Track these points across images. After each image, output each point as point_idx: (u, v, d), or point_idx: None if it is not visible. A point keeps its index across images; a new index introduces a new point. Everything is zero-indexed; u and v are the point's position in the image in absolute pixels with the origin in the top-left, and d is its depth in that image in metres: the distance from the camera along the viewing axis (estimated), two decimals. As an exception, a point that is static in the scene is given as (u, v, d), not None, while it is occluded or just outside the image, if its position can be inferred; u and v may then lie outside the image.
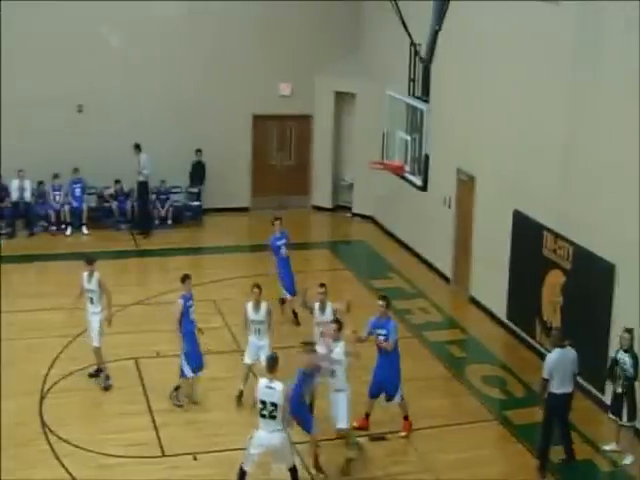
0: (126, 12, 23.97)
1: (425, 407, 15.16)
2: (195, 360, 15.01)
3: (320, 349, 14.55)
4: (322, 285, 14.93)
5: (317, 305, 14.82)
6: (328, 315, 14.63)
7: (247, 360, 15.08)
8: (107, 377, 15.71)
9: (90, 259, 15.99)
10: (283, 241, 18.49)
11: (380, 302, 14.30)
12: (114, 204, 24.21)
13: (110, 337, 16.77)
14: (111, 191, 24.35)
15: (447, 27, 16.04)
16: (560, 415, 13.62)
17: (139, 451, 13.77)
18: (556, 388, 13.45)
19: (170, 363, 16.19)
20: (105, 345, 15.93)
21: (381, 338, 14.06)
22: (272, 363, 12.22)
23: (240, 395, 14.95)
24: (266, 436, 12.03)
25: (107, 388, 15.60)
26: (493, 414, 15.39)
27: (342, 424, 13.37)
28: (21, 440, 13.98)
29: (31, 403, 15.03)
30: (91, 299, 15.80)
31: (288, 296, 18.31)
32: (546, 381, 13.43)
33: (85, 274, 15.83)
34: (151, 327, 17.84)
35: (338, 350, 13.28)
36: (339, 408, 13.34)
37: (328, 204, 26.33)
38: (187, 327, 14.96)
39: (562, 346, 13.50)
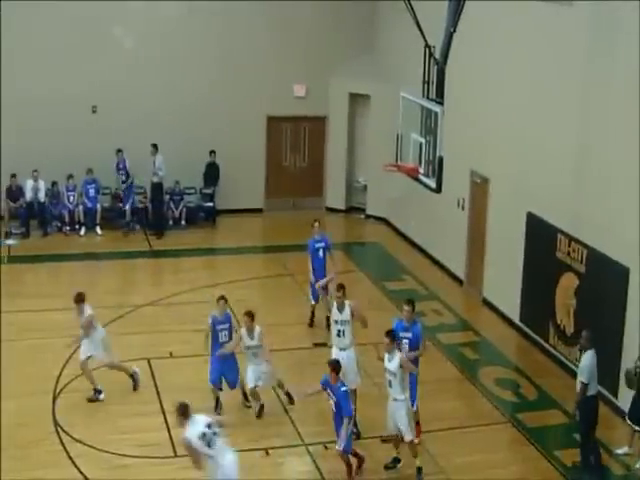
0: (137, 11, 24.11)
1: (437, 409, 15.13)
2: (212, 375, 14.87)
3: (335, 350, 14.54)
4: (340, 287, 14.80)
5: (335, 305, 14.77)
6: (346, 314, 14.58)
7: (251, 384, 14.81)
8: (98, 392, 15.43)
9: (78, 297, 15.37)
10: (322, 244, 18.16)
11: (406, 307, 14.21)
12: (127, 205, 24.21)
13: (123, 337, 16.87)
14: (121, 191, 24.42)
15: (461, 29, 15.99)
16: (595, 417, 13.61)
17: (151, 451, 13.77)
18: (592, 390, 13.42)
19: (183, 364, 16.22)
20: (118, 345, 15.93)
21: (405, 342, 13.98)
22: (184, 411, 11.63)
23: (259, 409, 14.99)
24: (222, 471, 11.53)
25: (93, 401, 15.34)
26: (506, 417, 15.33)
27: (408, 436, 13.23)
28: (33, 440, 14.01)
29: (43, 403, 15.05)
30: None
31: (313, 302, 18.24)
32: (586, 385, 13.31)
33: (75, 310, 15.40)
34: (164, 328, 17.87)
35: (394, 362, 13.11)
36: (400, 419, 13.18)
37: (342, 206, 26.32)
38: (215, 347, 14.84)
39: (591, 348, 13.45)
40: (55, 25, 23.53)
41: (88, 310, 15.35)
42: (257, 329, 14.66)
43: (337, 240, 23.63)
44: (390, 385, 13.21)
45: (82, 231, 23.95)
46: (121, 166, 24.17)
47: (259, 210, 25.93)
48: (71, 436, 14.10)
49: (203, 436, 11.39)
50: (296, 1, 24.55)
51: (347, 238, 24.62)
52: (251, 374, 14.80)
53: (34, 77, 23.49)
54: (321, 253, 18.16)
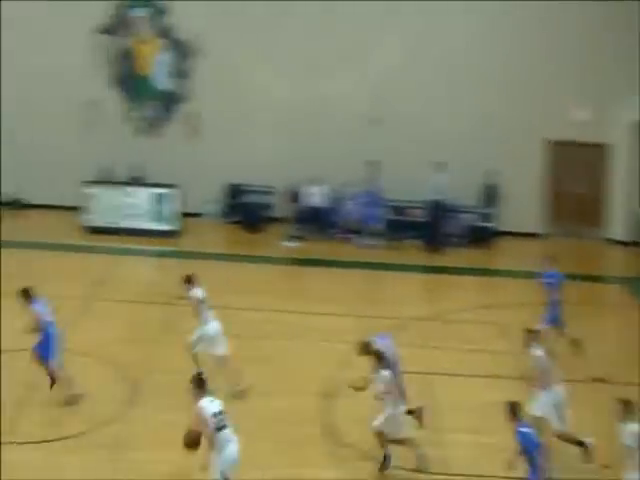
0: (420, 23, 24.62)
1: None
2: None
3: None
4: (529, 332, 14.00)
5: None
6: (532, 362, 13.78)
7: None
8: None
9: (188, 278, 15.38)
10: (547, 279, 17.41)
11: None
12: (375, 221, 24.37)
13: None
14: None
15: None
16: None
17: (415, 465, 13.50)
18: None
19: (458, 382, 15.95)
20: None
21: None
22: (201, 384, 11.71)
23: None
24: (225, 456, 11.52)
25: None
26: None
27: None
28: (303, 439, 14.07)
29: (315, 404, 15.19)
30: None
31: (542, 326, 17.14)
32: None
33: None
34: (438, 344, 17.63)
35: (630, 434, 11.54)
36: None
37: (624, 238, 25.36)
38: None
39: None
40: (330, 30, 24.52)
41: (199, 293, 15.23)
42: (382, 374, 13.49)
43: (617, 273, 22.88)
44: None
45: (360, 239, 24.29)
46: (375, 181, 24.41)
47: (539, 235, 25.45)
48: (341, 440, 14.10)
49: (216, 416, 11.48)
50: (583, 27, 24.28)
51: (628, 272, 23.64)
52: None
53: (321, 82, 24.65)
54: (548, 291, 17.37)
